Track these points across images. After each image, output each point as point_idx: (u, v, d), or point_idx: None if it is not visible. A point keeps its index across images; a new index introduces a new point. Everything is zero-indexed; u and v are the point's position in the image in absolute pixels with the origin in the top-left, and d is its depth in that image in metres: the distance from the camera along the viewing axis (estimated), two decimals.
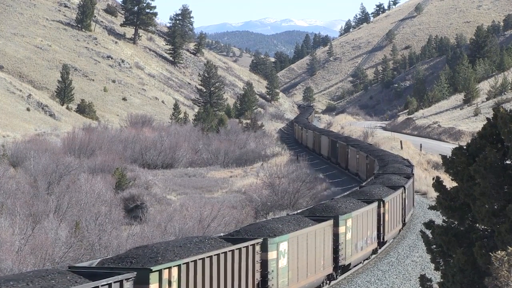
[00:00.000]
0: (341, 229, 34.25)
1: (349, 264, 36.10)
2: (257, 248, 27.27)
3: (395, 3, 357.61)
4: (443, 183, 24.62)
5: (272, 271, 27.94)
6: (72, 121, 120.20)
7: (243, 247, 26.34)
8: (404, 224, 48.35)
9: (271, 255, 27.89)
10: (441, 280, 24.46)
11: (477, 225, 23.95)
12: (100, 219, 44.55)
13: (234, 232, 29.52)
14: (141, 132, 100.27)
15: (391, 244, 45.16)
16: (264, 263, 27.62)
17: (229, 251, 25.40)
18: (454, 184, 24.37)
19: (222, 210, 48.82)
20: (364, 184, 50.41)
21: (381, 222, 40.97)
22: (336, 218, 33.86)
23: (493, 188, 22.76)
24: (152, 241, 40.65)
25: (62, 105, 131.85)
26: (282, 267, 28.76)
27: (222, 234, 29.18)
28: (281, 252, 28.67)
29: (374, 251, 41.03)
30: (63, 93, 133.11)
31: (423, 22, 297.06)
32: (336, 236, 33.81)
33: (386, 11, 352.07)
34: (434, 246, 24.58)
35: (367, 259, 39.77)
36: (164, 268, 21.97)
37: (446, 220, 24.56)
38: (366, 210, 38.06)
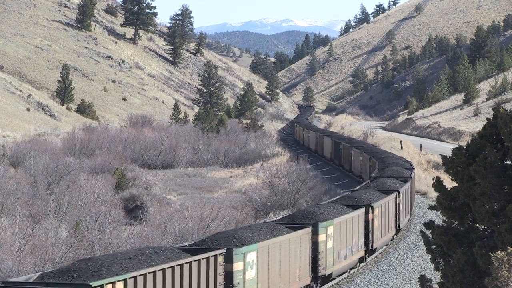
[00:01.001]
0: (321, 237, 32.41)
1: (331, 274, 34.37)
2: (220, 259, 25.57)
3: (395, 3, 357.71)
4: (443, 183, 24.62)
5: (238, 283, 26.39)
6: (72, 121, 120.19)
7: (203, 258, 24.65)
8: (398, 231, 46.69)
9: (237, 266, 26.34)
10: (441, 280, 24.46)
11: (477, 225, 23.96)
12: (100, 219, 44.54)
13: (199, 242, 28.02)
14: (141, 132, 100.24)
15: (391, 245, 45.17)
16: (229, 275, 25.98)
17: (186, 263, 23.67)
18: (454, 184, 24.37)
19: (222, 210, 48.79)
20: (357, 188, 48.46)
21: (370, 229, 39.01)
22: (315, 226, 32.07)
23: (493, 188, 22.76)
24: (152, 242, 40.67)
25: (62, 105, 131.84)
26: (249, 279, 27.15)
27: (187, 244, 27.93)
28: (249, 263, 27.08)
29: (361, 260, 39.20)
30: (63, 93, 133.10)
31: (423, 22, 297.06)
32: (315, 244, 32.02)
33: (386, 11, 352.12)
34: (434, 246, 24.58)
35: (353, 267, 38.10)
36: (107, 283, 20.35)
37: (446, 220, 24.56)
38: (351, 216, 36.24)
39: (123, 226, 48.70)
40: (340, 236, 34.45)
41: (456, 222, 24.25)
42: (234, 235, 28.04)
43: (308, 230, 31.54)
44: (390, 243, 44.66)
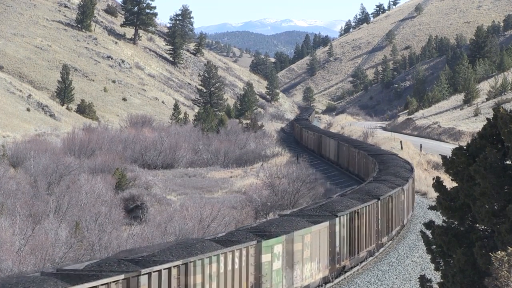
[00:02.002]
0: (265, 257, 27.62)
1: None
2: None
3: (395, 4, 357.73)
4: (443, 184, 24.64)
5: None
6: (72, 121, 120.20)
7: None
8: (381, 245, 42.10)
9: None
10: (441, 280, 24.47)
11: (477, 225, 23.97)
12: (100, 220, 44.54)
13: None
14: (141, 133, 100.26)
15: (390, 245, 45.19)
16: None
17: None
18: (454, 184, 24.38)
19: (222, 211, 48.81)
20: (334, 196, 43.71)
21: (337, 244, 34.33)
22: (258, 244, 27.42)
23: (493, 188, 22.77)
24: (152, 242, 40.66)
25: (62, 105, 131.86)
26: None
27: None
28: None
29: (326, 280, 33.72)
30: (63, 93, 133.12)
31: (423, 23, 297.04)
32: (258, 265, 27.16)
33: (386, 11, 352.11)
34: (434, 246, 24.59)
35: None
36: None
37: (446, 220, 24.57)
38: (311, 231, 31.39)
39: (123, 226, 48.70)
40: (293, 255, 29.65)
41: (456, 222, 24.26)
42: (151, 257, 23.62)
43: (251, 249, 27.02)
44: (367, 260, 39.91)
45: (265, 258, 27.44)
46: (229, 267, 25.33)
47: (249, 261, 26.49)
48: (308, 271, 31.09)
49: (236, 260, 25.72)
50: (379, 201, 40.49)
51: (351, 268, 37.12)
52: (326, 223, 32.81)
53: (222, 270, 24.89)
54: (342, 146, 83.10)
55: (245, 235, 27.93)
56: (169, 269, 22.27)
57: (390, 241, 44.69)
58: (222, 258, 24.91)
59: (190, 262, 23.30)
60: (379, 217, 40.47)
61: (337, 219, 33.82)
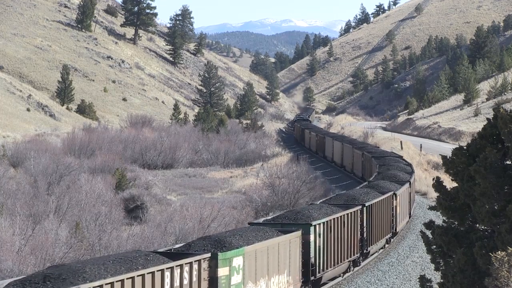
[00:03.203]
0: (223, 271, 24.96)
1: None
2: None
3: (395, 4, 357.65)
4: (443, 184, 24.64)
5: None
6: (72, 121, 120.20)
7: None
8: (365, 255, 39.43)
9: None
10: (441, 280, 24.47)
11: (477, 225, 23.97)
12: (100, 220, 44.56)
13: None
14: (141, 133, 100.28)
15: (391, 245, 45.15)
16: None
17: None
18: (454, 184, 24.39)
19: (222, 211, 48.82)
20: (318, 202, 40.25)
21: (311, 256, 31.67)
22: (213, 257, 24.71)
23: (493, 188, 22.77)
24: (152, 242, 40.69)
25: (62, 105, 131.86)
26: None
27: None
28: None
29: None
30: (63, 94, 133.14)
31: (423, 23, 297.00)
32: (213, 280, 24.60)
33: (386, 11, 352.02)
34: (434, 246, 24.59)
35: None
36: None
37: (446, 220, 24.58)
38: (279, 241, 28.83)
39: (123, 227, 48.71)
40: (256, 270, 27.12)
41: (456, 223, 24.26)
42: (80, 269, 21.56)
43: (204, 263, 24.54)
44: (348, 272, 37.42)
45: (222, 272, 24.86)
46: (177, 283, 22.75)
47: (202, 276, 23.96)
48: (275, 285, 28.47)
49: (186, 275, 23.22)
50: (364, 208, 38.07)
51: (332, 279, 35.02)
52: (298, 233, 30.32)
53: (167, 287, 22.40)
54: (347, 147, 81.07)
55: (203, 247, 25.70)
56: (100, 287, 19.95)
57: (381, 250, 42.73)
58: (167, 274, 22.36)
59: (128, 278, 20.80)
60: (365, 224, 38.07)
61: (312, 228, 31.31)
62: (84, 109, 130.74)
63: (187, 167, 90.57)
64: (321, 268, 32.55)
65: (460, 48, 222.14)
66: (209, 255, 24.57)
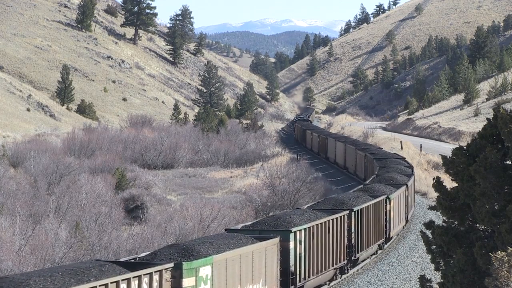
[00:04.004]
0: (188, 282, 23.72)
1: None
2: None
3: (395, 4, 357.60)
4: (443, 184, 24.64)
5: None
6: (72, 121, 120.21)
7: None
8: (353, 261, 37.86)
9: None
10: (441, 280, 24.47)
11: (477, 225, 23.98)
12: (100, 220, 44.56)
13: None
14: (141, 133, 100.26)
15: (393, 243, 45.15)
16: None
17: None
18: (454, 184, 24.40)
19: (222, 211, 48.82)
20: (305, 207, 38.52)
21: (291, 264, 30.14)
22: (178, 267, 23.34)
23: (493, 188, 22.77)
24: (153, 242, 40.68)
25: (62, 105, 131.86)
26: None
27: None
28: None
29: None
30: (63, 94, 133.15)
31: (423, 23, 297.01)
32: None
33: (386, 11, 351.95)
34: (434, 246, 24.60)
35: None
36: None
37: (446, 220, 24.59)
38: (251, 250, 27.20)
39: (123, 227, 48.72)
40: (226, 279, 25.78)
41: (456, 223, 24.27)
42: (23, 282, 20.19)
43: (166, 273, 23.03)
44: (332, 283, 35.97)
45: (188, 282, 23.45)
46: None
47: (163, 287, 22.64)
48: None
49: (145, 286, 21.76)
50: (352, 213, 36.79)
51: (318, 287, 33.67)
52: (275, 240, 28.83)
53: None
54: (349, 149, 79.71)
55: (169, 255, 24.37)
56: None
57: (374, 255, 41.64)
58: (123, 286, 20.83)
59: None
60: (353, 230, 36.75)
61: (292, 234, 29.95)
62: (84, 109, 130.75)
63: (187, 167, 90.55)
64: (303, 276, 31.10)
65: (460, 48, 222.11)
66: (171, 264, 23.02)
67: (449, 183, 25.02)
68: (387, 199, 42.83)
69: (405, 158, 67.94)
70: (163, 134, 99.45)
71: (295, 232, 30.29)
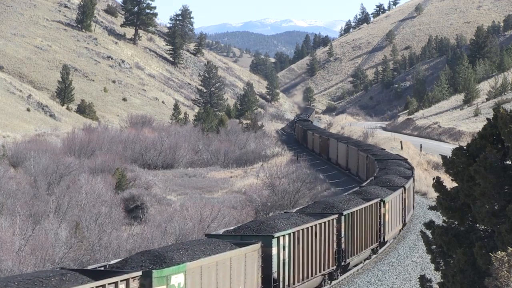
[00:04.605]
0: None
1: None
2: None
3: (395, 4, 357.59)
4: (443, 184, 24.65)
5: None
6: (72, 121, 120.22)
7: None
8: (344, 267, 36.73)
9: None
10: (441, 280, 24.48)
11: (477, 225, 23.99)
12: (100, 220, 44.58)
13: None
14: (141, 133, 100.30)
15: (391, 245, 45.14)
16: None
17: None
18: (454, 184, 24.40)
19: (222, 211, 48.84)
20: (293, 211, 37.15)
21: (273, 271, 29.02)
22: (147, 275, 22.14)
23: (493, 188, 22.78)
24: (153, 242, 40.68)
25: (62, 105, 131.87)
26: None
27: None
28: None
29: None
30: (63, 94, 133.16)
31: (423, 23, 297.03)
32: None
33: (386, 11, 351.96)
34: (434, 246, 24.60)
35: None
36: None
37: (446, 220, 24.59)
38: (229, 256, 26.14)
39: (123, 227, 48.73)
40: (201, 286, 24.79)
41: (456, 222, 24.28)
42: None
43: (133, 282, 21.82)
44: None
45: None
46: None
47: None
48: None
49: None
50: (342, 217, 35.52)
51: None
52: (255, 246, 27.67)
53: None
54: (352, 150, 78.35)
55: (140, 262, 23.30)
56: None
57: (367, 260, 40.42)
58: None
59: None
60: (343, 235, 35.54)
61: (274, 240, 28.86)
62: (84, 109, 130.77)
63: (187, 167, 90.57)
64: (286, 283, 30.09)
65: (460, 48, 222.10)
66: (139, 273, 21.68)
67: (449, 183, 25.02)
68: (381, 202, 41.68)
69: (407, 160, 67.06)
70: (163, 134, 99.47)
71: (278, 238, 29.17)
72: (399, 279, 37.57)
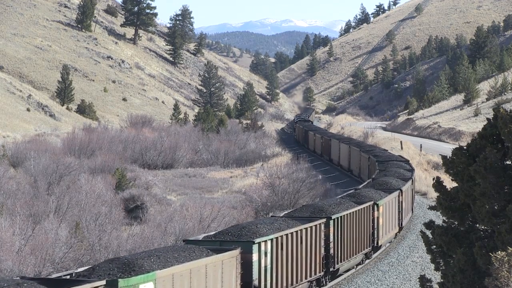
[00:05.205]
0: None
1: None
2: None
3: (395, 4, 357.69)
4: (443, 184, 24.65)
5: None
6: (72, 121, 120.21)
7: None
8: (333, 273, 35.38)
9: None
10: (441, 280, 24.48)
11: (477, 225, 23.99)
12: (100, 220, 44.55)
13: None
14: (141, 133, 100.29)
15: (391, 245, 45.15)
16: None
17: None
18: (454, 184, 24.40)
19: (222, 211, 48.81)
20: (281, 215, 36.16)
21: (254, 278, 27.89)
22: (113, 284, 20.99)
23: (493, 188, 22.78)
24: (153, 242, 40.68)
25: (62, 105, 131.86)
26: None
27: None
28: None
29: None
30: (63, 94, 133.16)
31: (423, 23, 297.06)
32: None
33: (386, 11, 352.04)
34: (434, 246, 24.61)
35: None
36: None
37: (446, 220, 24.59)
38: (204, 263, 25.06)
39: (123, 227, 48.72)
40: None
41: (456, 222, 24.28)
42: None
43: None
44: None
45: None
46: None
47: None
48: None
49: None
50: (331, 221, 34.30)
51: None
52: (233, 252, 26.48)
53: None
54: (354, 151, 77.57)
55: (108, 270, 22.21)
56: None
57: (360, 265, 39.44)
58: None
59: None
60: (331, 239, 34.35)
61: (255, 245, 27.67)
62: (84, 109, 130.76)
63: (187, 167, 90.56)
64: None
65: (460, 48, 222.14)
66: (103, 282, 20.35)
67: (449, 183, 25.02)
68: (375, 206, 40.49)
69: (408, 161, 66.09)
70: (163, 134, 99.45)
71: (259, 243, 28.02)
72: (399, 279, 37.58)
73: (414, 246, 44.80)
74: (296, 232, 30.79)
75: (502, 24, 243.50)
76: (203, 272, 24.41)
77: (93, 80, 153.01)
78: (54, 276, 21.99)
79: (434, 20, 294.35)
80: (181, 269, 23.24)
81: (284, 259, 29.93)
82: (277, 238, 29.29)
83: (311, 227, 32.18)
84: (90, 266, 23.09)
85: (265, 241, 28.48)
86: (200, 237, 29.43)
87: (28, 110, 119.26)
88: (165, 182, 75.13)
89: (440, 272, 24.77)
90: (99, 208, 48.74)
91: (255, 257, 27.70)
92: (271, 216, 36.03)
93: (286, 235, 30.02)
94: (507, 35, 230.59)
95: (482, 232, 23.84)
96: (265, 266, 28.45)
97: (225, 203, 57.35)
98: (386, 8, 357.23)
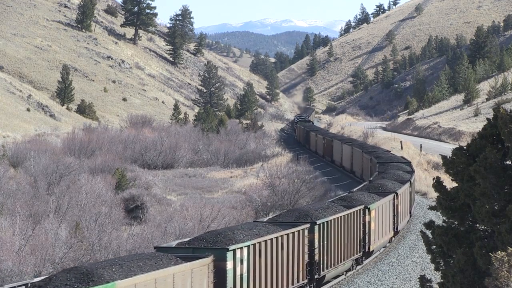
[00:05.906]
0: None
1: None
2: None
3: (395, 4, 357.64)
4: (443, 184, 24.64)
5: None
6: (72, 121, 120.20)
7: None
8: (318, 280, 33.91)
9: None
10: (441, 280, 24.47)
11: (477, 225, 23.98)
12: (100, 220, 44.55)
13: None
14: (141, 133, 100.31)
15: (391, 245, 45.13)
16: None
17: None
18: (454, 184, 24.39)
19: (222, 211, 48.83)
20: (265, 220, 34.80)
21: (229, 286, 26.66)
22: None
23: (493, 188, 22.77)
24: (152, 242, 40.68)
25: (62, 105, 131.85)
26: None
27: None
28: None
29: None
30: (63, 94, 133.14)
31: (423, 23, 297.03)
32: None
33: (386, 11, 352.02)
34: (434, 246, 24.60)
35: None
36: None
37: (446, 220, 24.58)
38: (171, 272, 23.64)
39: (123, 227, 48.72)
40: None
41: (456, 223, 24.27)
42: None
43: None
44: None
45: None
46: None
47: None
48: None
49: None
50: (316, 226, 32.84)
51: None
52: (204, 260, 25.29)
53: None
54: (356, 152, 76.41)
55: (65, 281, 21.24)
56: None
57: (350, 272, 38.04)
58: None
59: None
60: (316, 245, 32.89)
61: (230, 253, 26.42)
62: (84, 109, 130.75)
63: (187, 167, 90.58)
64: None
65: (460, 48, 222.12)
66: None
67: (449, 183, 25.02)
68: (366, 210, 39.01)
69: (410, 163, 64.83)
70: (163, 134, 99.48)
71: (234, 250, 26.65)
72: (399, 279, 37.58)
73: (414, 246, 44.80)
74: (276, 238, 29.51)
75: (502, 24, 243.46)
76: (170, 282, 22.99)
77: (93, 80, 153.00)
78: (6, 287, 21.20)
79: (434, 20, 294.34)
80: (144, 279, 21.81)
81: (263, 266, 28.68)
82: (254, 244, 27.98)
83: (293, 232, 30.83)
84: (47, 276, 21.94)
85: (241, 248, 27.18)
86: (173, 243, 27.98)
87: (28, 110, 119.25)
88: (165, 182, 75.16)
89: (440, 272, 24.76)
90: (99, 208, 48.76)
91: (229, 265, 26.36)
92: (253, 221, 34.28)
93: (265, 241, 28.76)
94: (507, 35, 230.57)
95: (482, 232, 23.83)
96: (241, 274, 27.15)
97: (225, 203, 57.39)
98: (386, 8, 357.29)
